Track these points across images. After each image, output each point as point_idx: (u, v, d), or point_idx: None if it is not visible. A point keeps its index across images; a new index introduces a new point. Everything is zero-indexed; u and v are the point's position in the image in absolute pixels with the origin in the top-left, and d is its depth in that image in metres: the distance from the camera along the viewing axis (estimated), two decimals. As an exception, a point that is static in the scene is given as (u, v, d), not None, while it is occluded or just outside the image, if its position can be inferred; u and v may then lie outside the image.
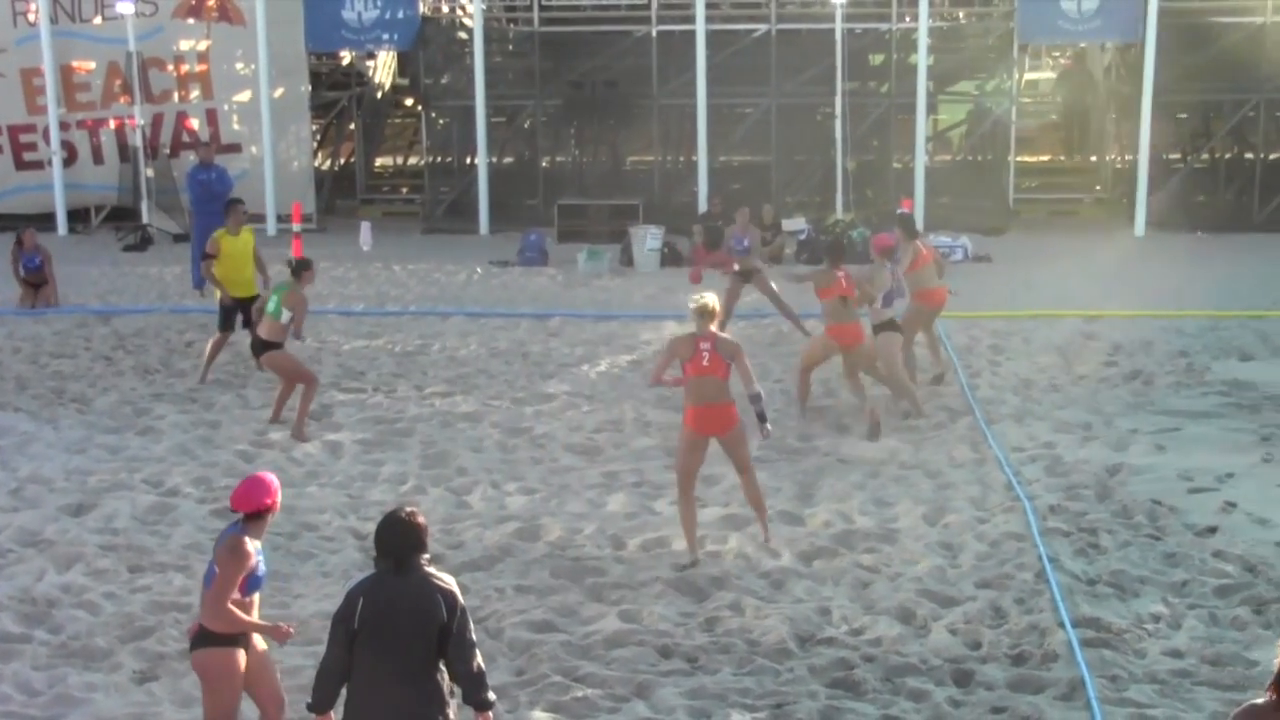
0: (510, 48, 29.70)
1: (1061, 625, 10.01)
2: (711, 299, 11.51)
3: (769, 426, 11.75)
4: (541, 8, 27.53)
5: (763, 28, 26.72)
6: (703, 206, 25.93)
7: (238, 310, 16.79)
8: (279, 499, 7.73)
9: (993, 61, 27.75)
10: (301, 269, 14.81)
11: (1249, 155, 26.97)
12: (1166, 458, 13.89)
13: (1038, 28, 26.41)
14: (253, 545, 7.63)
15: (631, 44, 27.45)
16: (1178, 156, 28.04)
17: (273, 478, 7.78)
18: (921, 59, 26.02)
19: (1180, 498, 12.75)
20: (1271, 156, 27.17)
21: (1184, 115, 27.87)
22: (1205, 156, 27.65)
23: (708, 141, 26.51)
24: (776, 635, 9.92)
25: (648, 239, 23.89)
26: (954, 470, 13.52)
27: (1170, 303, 20.11)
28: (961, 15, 28.51)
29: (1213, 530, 11.96)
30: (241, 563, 7.53)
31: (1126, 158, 27.68)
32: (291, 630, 7.90)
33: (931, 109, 27.25)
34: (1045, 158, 31.11)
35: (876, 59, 28.19)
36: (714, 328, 11.48)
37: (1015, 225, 26.25)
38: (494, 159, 28.53)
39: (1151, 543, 11.74)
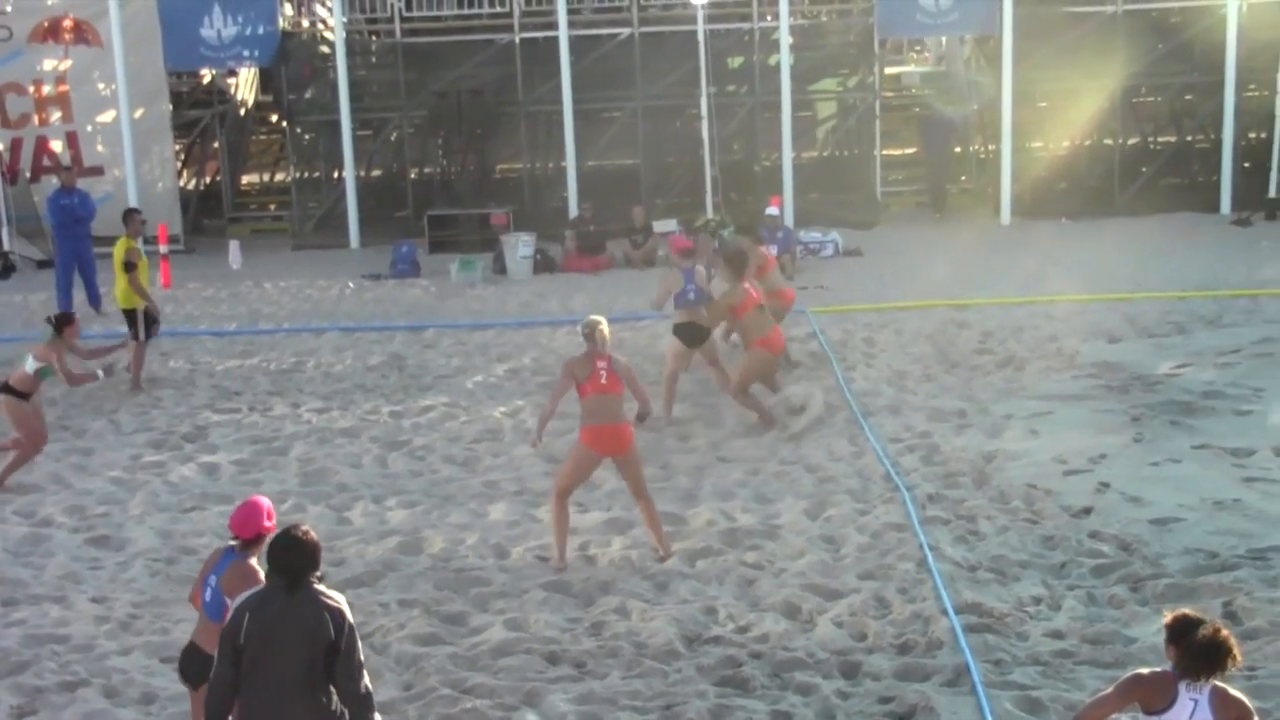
0: (373, 60, 29.46)
1: (944, 612, 10.12)
2: (602, 319, 11.58)
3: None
4: (403, 19, 27.32)
5: (626, 31, 26.76)
6: (573, 212, 25.90)
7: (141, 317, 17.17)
8: (275, 521, 7.68)
9: (854, 58, 28.04)
10: (63, 324, 14.14)
11: (1108, 141, 27.47)
12: (1041, 442, 14.09)
13: (897, 23, 26.70)
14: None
15: (495, 52, 27.35)
16: (1040, 145, 28.50)
17: (267, 501, 7.77)
18: (784, 57, 26.19)
19: (1055, 481, 12.94)
20: (1130, 142, 27.72)
21: (1044, 104, 28.32)
22: (1066, 144, 28.13)
23: (576, 147, 26.48)
24: (663, 637, 9.91)
25: (519, 247, 23.81)
26: (833, 464, 13.62)
27: (1038, 288, 20.41)
28: (823, 13, 28.75)
29: (1088, 511, 12.15)
30: (260, 581, 7.35)
31: (990, 148, 28.08)
32: None
33: (799, 106, 27.44)
34: (911, 150, 31.46)
35: (738, 60, 28.33)
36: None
37: (884, 218, 26.52)
38: (362, 172, 28.29)
39: (1029, 526, 11.90)
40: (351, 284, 23.56)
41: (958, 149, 29.48)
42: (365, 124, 28.62)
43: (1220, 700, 6.27)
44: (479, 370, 17.66)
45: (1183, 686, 6.26)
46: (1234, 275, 20.84)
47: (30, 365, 13.71)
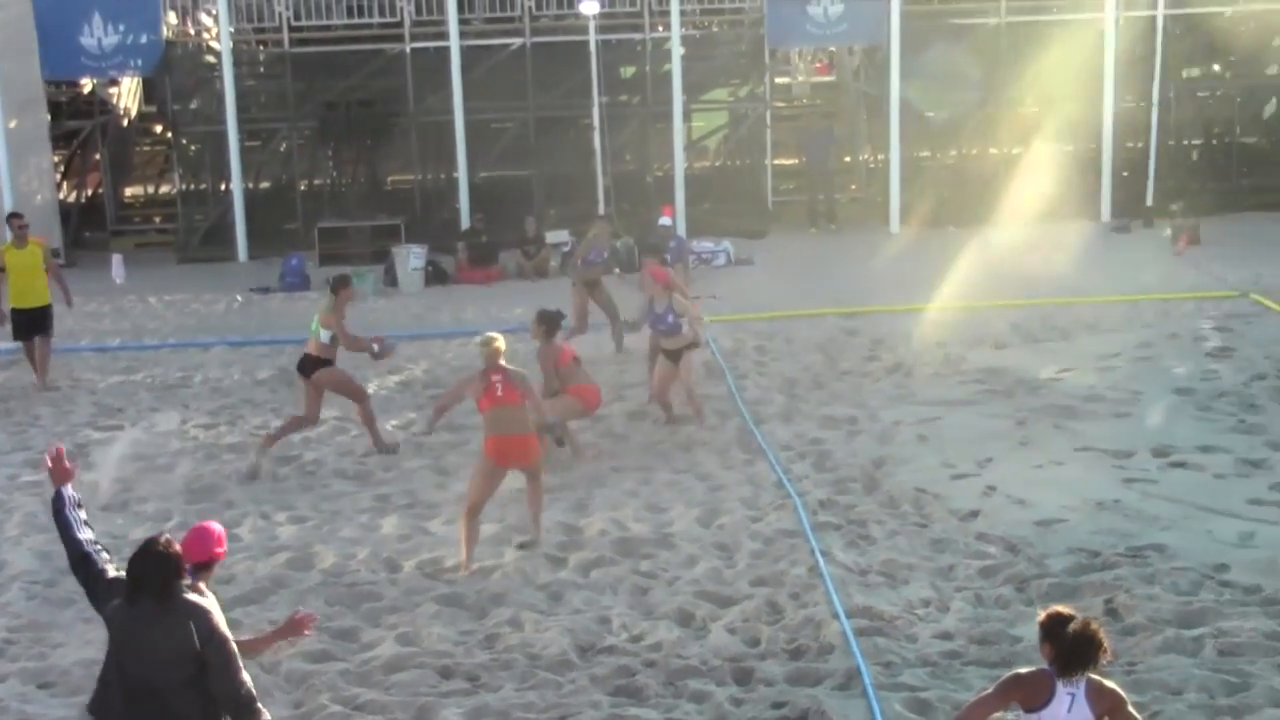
0: (261, 70, 29.14)
1: (836, 617, 10.24)
2: (499, 336, 11.76)
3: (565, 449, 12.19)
4: (291, 29, 27.08)
5: (517, 42, 26.71)
6: (465, 223, 25.83)
7: (30, 319, 17.55)
8: (226, 547, 7.68)
9: (745, 68, 28.22)
10: (339, 286, 14.87)
11: (994, 150, 27.86)
12: (929, 447, 14.29)
13: (786, 33, 26.91)
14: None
15: (385, 62, 27.19)
16: (928, 154, 28.84)
17: (218, 526, 7.66)
18: (676, 68, 26.31)
19: (943, 485, 13.14)
20: (1015, 151, 28.11)
21: (932, 114, 28.65)
22: (953, 153, 28.49)
23: (467, 157, 26.39)
24: (557, 647, 9.93)
25: (411, 258, 23.70)
26: (725, 472, 13.71)
27: (926, 296, 20.66)
28: (714, 24, 28.89)
29: (975, 514, 12.35)
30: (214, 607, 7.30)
31: (879, 157, 28.37)
32: (313, 618, 7.83)
33: (687, 116, 27.57)
34: (801, 160, 31.69)
35: (630, 70, 28.42)
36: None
37: (775, 228, 26.71)
38: (250, 184, 27.98)
39: (918, 530, 12.07)
40: (239, 297, 23.32)
41: (846, 159, 29.73)
42: (253, 135, 28.31)
43: (1095, 692, 6.42)
44: (370, 383, 17.53)
45: (1059, 682, 6.40)
46: (1114, 281, 21.22)
47: (324, 335, 14.55)
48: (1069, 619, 6.40)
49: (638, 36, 27.22)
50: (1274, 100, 27.96)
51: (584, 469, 14.00)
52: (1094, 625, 6.39)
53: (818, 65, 33.61)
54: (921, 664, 9.61)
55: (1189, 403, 15.45)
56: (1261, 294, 20.03)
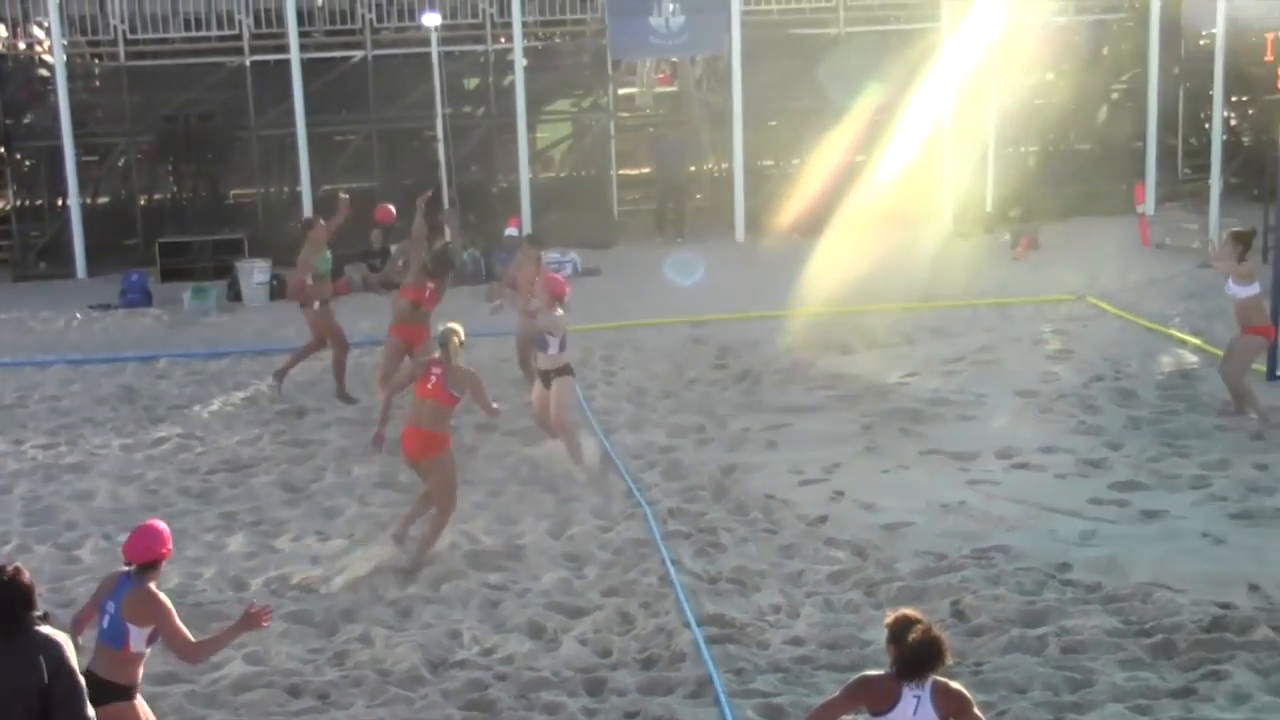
0: (97, 83, 28.51)
1: (687, 625, 10.27)
2: (459, 331, 11.87)
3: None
4: (127, 41, 26.53)
5: (359, 54, 26.48)
6: (310, 236, 25.46)
7: None
8: (171, 547, 7.87)
9: (589, 79, 28.25)
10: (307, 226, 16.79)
11: (837, 159, 28.14)
12: (778, 453, 14.40)
13: (629, 44, 26.97)
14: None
15: (225, 75, 26.76)
16: (771, 163, 29.09)
17: (163, 525, 7.86)
18: (519, 79, 26.24)
19: (792, 491, 13.24)
20: (858, 159, 28.42)
21: (774, 123, 28.92)
22: (796, 161, 28.77)
23: (310, 171, 26.08)
24: (408, 663, 9.84)
25: (255, 273, 23.34)
26: (573, 484, 13.68)
27: (773, 303, 20.83)
28: (556, 35, 28.87)
29: (823, 519, 12.47)
30: (166, 605, 7.67)
31: (723, 166, 28.57)
32: (269, 609, 8.04)
33: (532, 127, 27.53)
34: (646, 170, 31.79)
35: (474, 82, 28.28)
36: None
37: (621, 237, 26.76)
38: (87, 199, 27.34)
39: (768, 537, 12.15)
40: (79, 315, 22.76)
41: (692, 168, 29.87)
42: (90, 149, 27.67)
43: (941, 695, 6.50)
44: (214, 400, 17.27)
45: (905, 685, 6.47)
46: (956, 286, 21.58)
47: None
48: (913, 623, 6.47)
49: (480, 48, 27.11)
50: (1106, 107, 28.62)
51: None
52: (935, 631, 6.47)
53: (660, 76, 33.74)
54: (773, 670, 9.68)
55: (1031, 405, 15.76)
56: (1098, 297, 20.51)
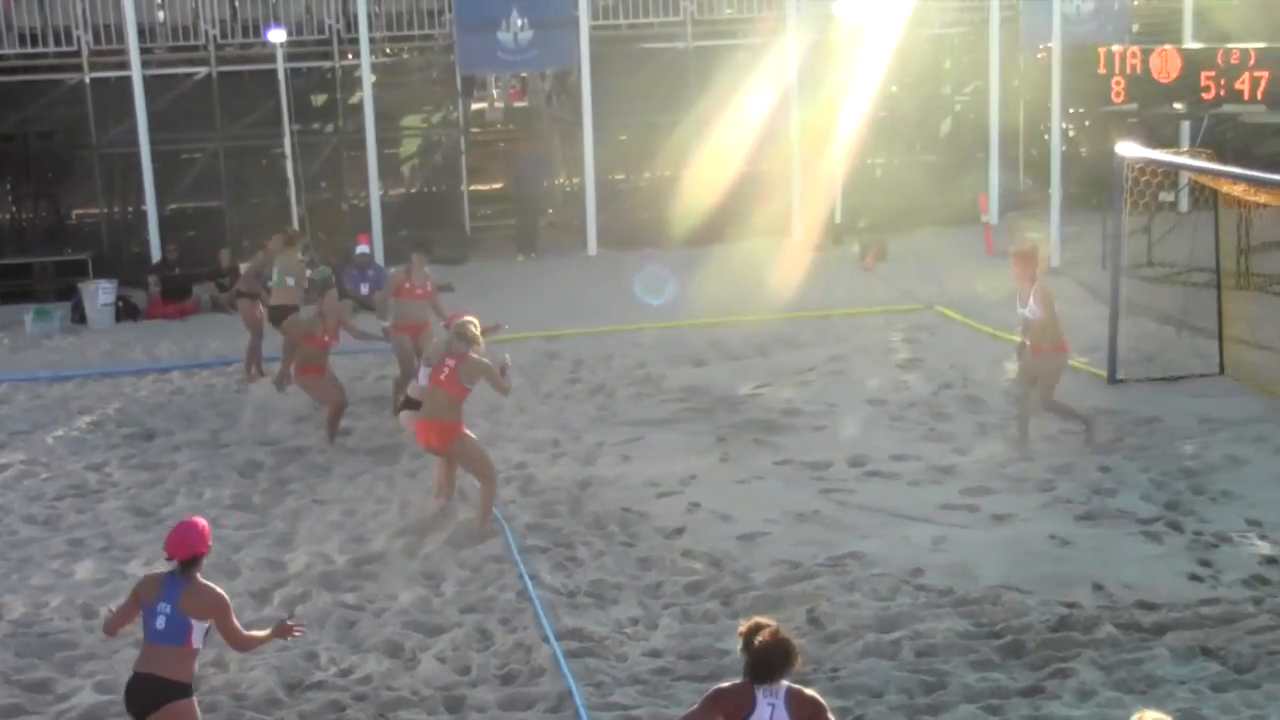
0: (-70, 102, 27.84)
1: (546, 640, 10.25)
2: (474, 321, 12.52)
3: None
4: (-39, 58, 25.92)
5: (203, 70, 26.11)
6: (156, 256, 25.06)
7: None
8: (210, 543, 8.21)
9: (438, 94, 28.15)
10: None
11: (687, 171, 28.34)
12: (633, 466, 14.44)
13: (478, 60, 26.90)
14: None
15: (64, 92, 26.21)
16: (623, 177, 29.21)
17: (203, 521, 8.25)
18: (367, 95, 26.06)
19: (649, 503, 13.28)
20: (708, 172, 28.62)
21: (624, 137, 29.06)
22: (648, 175, 28.92)
23: (156, 189, 25.64)
24: (264, 686, 9.70)
25: (100, 294, 22.87)
26: (429, 500, 13.57)
27: (626, 317, 20.90)
28: (404, 51, 28.69)
29: (680, 531, 12.53)
30: (225, 598, 8.07)
31: (574, 181, 28.62)
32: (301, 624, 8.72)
33: (385, 144, 27.32)
34: (498, 185, 31.74)
35: (322, 98, 28.04)
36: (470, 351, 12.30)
37: (474, 253, 26.67)
38: (-78, 221, 26.69)
39: (625, 549, 12.18)
40: (-85, 339, 22.14)
41: (545, 183, 29.88)
42: (-75, 170, 27.01)
43: (795, 701, 6.56)
44: (59, 424, 16.87)
45: (759, 692, 6.52)
46: (807, 297, 21.82)
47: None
48: (761, 629, 6.53)
49: (328, 64, 26.89)
50: (949, 119, 29.19)
51: (286, 504, 13.72)
52: (783, 634, 6.52)
53: (511, 90, 33.74)
54: (632, 682, 9.69)
55: (882, 413, 15.98)
56: (945, 306, 20.87)
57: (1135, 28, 27.52)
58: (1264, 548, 11.73)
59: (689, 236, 26.42)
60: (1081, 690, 9.35)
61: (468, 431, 12.67)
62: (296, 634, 8.56)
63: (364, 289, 22.11)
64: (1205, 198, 17.95)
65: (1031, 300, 14.11)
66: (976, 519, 12.68)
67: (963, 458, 14.27)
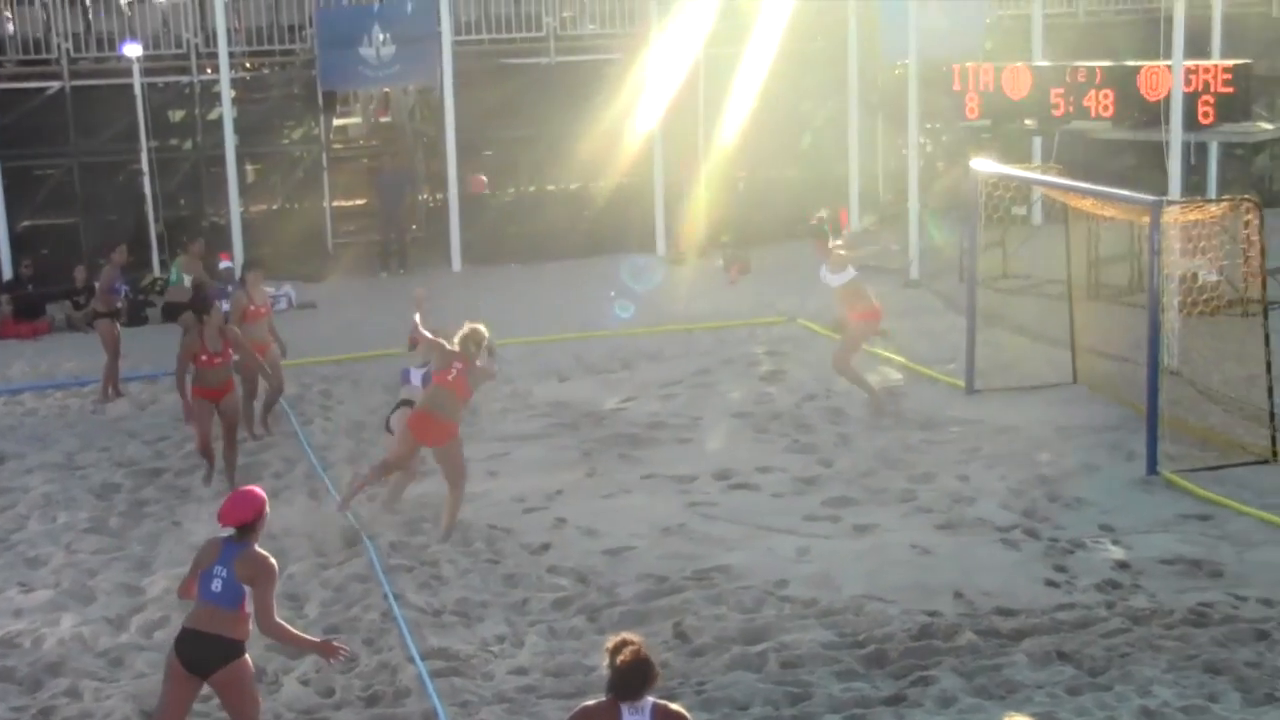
0: None
1: (411, 660, 10.17)
2: (483, 328, 12.86)
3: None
4: None
5: (55, 85, 25.57)
6: (8, 274, 24.50)
7: None
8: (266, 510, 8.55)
9: (300, 110, 27.84)
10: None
11: (551, 187, 28.38)
12: (500, 482, 14.40)
13: (339, 75, 26.65)
14: None
15: (-90, 107, 25.60)
16: (487, 192, 29.06)
17: (259, 490, 8.69)
18: (226, 111, 25.72)
19: (515, 519, 13.27)
20: (573, 187, 28.69)
21: (489, 152, 28.97)
22: (512, 190, 28.85)
23: (8, 206, 25.06)
24: (120, 715, 9.53)
25: (-50, 314, 22.31)
26: (294, 519, 13.42)
27: (491, 332, 20.74)
28: (265, 66, 28.35)
29: (546, 547, 12.53)
30: (274, 571, 8.46)
31: (438, 196, 28.45)
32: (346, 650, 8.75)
33: (246, 160, 26.96)
34: (362, 202, 31.48)
35: (180, 113, 27.59)
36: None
37: (336, 270, 26.41)
38: None
39: (491, 567, 12.14)
40: None
41: (409, 199, 29.67)
42: None
43: (661, 716, 6.57)
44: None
45: (624, 708, 6.52)
46: (672, 311, 21.91)
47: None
48: (625, 645, 6.53)
49: (186, 79, 26.47)
50: (809, 134, 29.47)
51: (145, 526, 13.47)
52: (644, 652, 6.51)
53: (374, 106, 33.49)
54: (498, 701, 9.66)
55: (747, 425, 16.09)
56: (807, 319, 21.05)
57: (988, 45, 27.99)
58: (1116, 552, 12.01)
59: (554, 251, 26.43)
60: (943, 697, 9.49)
61: (458, 438, 12.92)
62: (341, 656, 8.67)
63: (225, 306, 21.76)
64: (1057, 212, 18.32)
65: (823, 268, 15.21)
66: (839, 529, 12.82)
67: (826, 469, 14.42)
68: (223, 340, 14.69)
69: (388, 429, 14.14)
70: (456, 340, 12.89)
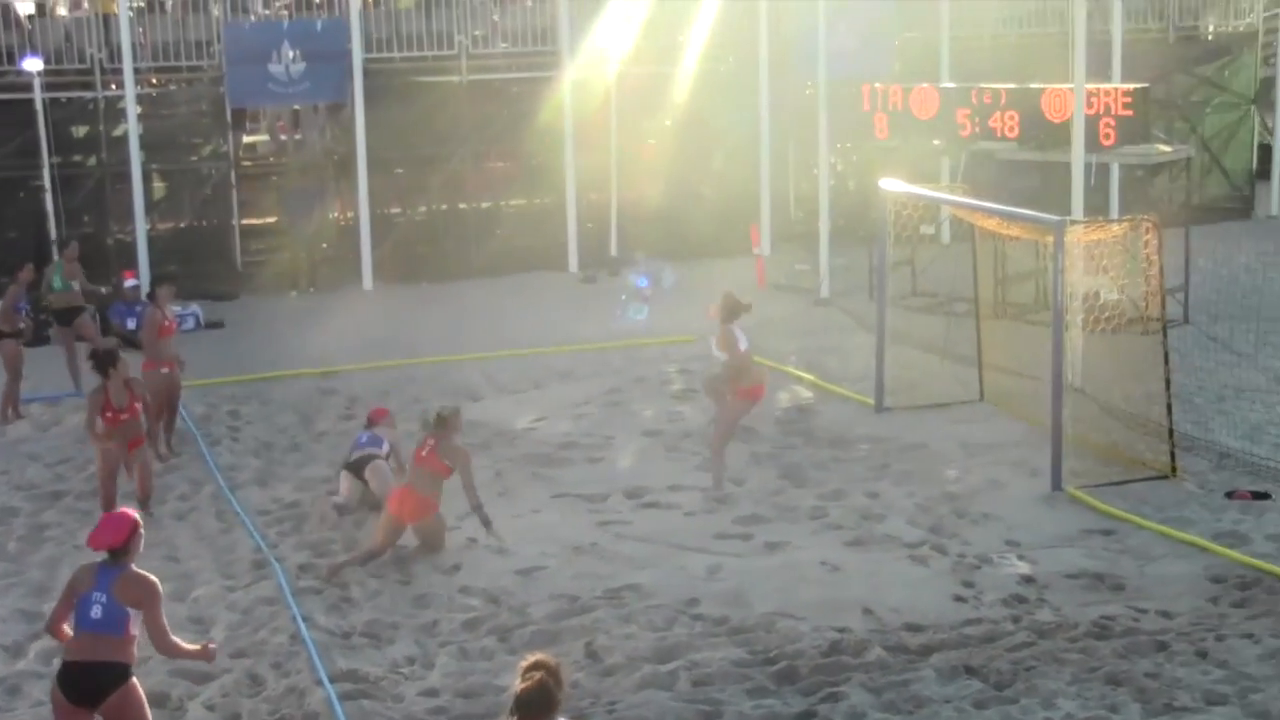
0: None
1: (320, 683, 10.08)
2: (450, 410, 13.03)
3: (494, 531, 12.73)
4: None
5: (-47, 99, 25.23)
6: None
7: None
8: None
9: (207, 127, 27.57)
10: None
11: (463, 205, 28.27)
12: (409, 503, 14.27)
13: (248, 92, 26.45)
14: None
15: None
16: (399, 210, 28.94)
17: (131, 510, 8.51)
18: (132, 127, 25.45)
19: (425, 540, 13.16)
20: (483, 205, 28.61)
21: (400, 170, 28.82)
22: (423, 209, 28.73)
23: (-97, 223, 24.68)
24: (20, 741, 9.35)
25: None
26: (200, 543, 13.30)
27: (403, 351, 20.72)
28: (171, 82, 28.05)
29: (457, 568, 12.48)
30: (159, 589, 8.24)
31: (348, 214, 28.27)
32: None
33: (148, 176, 26.65)
34: (272, 219, 31.21)
35: (84, 129, 27.23)
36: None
37: (246, 289, 26.19)
38: None
39: (401, 588, 12.07)
40: None
41: (332, 216, 29.46)
42: None
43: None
44: None
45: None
46: (584, 330, 21.91)
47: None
48: (532, 669, 6.47)
49: (90, 95, 26.14)
50: (720, 153, 29.58)
51: (44, 551, 13.26)
52: (542, 679, 6.41)
53: (280, 124, 33.24)
54: (408, 722, 9.60)
55: (658, 444, 16.13)
56: (718, 337, 21.09)
57: (897, 66, 28.26)
58: (1022, 567, 12.16)
59: (466, 270, 26.37)
60: (852, 713, 9.55)
61: (439, 514, 12.85)
62: (211, 660, 8.85)
63: (130, 324, 21.58)
64: (965, 231, 18.53)
65: (712, 342, 14.91)
66: (750, 547, 12.87)
67: (737, 487, 14.47)
68: (129, 394, 13.80)
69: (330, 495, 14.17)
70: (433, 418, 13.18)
